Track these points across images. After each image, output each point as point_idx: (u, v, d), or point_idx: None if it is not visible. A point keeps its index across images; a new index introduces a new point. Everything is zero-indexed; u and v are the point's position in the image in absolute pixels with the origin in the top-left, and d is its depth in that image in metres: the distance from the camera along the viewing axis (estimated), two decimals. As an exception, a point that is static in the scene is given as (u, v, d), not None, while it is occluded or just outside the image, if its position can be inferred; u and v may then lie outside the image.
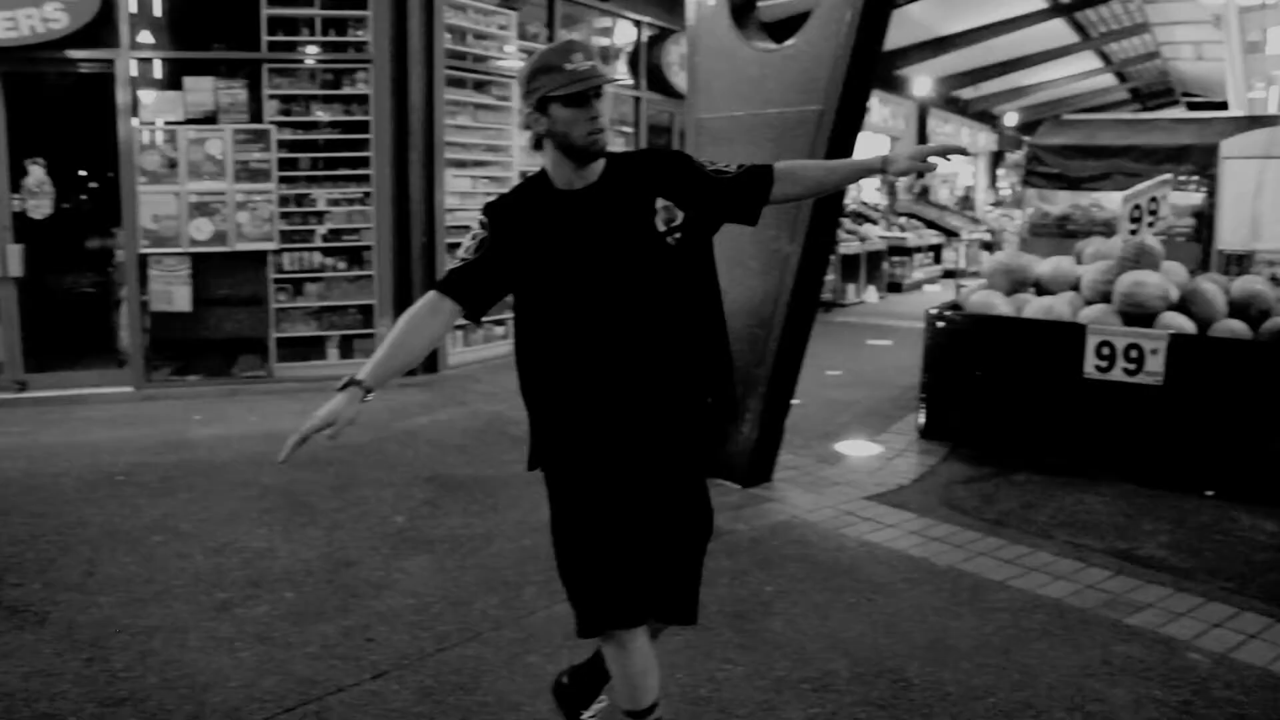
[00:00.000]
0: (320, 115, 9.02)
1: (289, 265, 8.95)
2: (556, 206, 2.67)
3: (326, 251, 9.07)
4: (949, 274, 18.87)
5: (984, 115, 27.07)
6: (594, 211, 2.65)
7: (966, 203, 23.97)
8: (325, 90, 9.02)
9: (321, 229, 9.03)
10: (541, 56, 2.65)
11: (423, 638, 4.08)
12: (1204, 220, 10.84)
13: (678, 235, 2.67)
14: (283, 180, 8.84)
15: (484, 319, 2.80)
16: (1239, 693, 3.75)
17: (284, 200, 8.87)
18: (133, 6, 8.38)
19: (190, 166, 8.54)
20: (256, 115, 8.78)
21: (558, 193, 2.68)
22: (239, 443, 6.99)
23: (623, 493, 2.73)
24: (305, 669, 3.80)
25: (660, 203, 2.66)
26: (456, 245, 9.52)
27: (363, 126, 9.00)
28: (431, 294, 2.68)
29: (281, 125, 8.84)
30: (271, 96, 8.81)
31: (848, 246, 15.33)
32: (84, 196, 10.67)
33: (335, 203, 9.06)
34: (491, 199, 2.81)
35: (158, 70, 8.81)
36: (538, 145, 2.68)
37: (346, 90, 9.02)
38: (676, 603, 2.87)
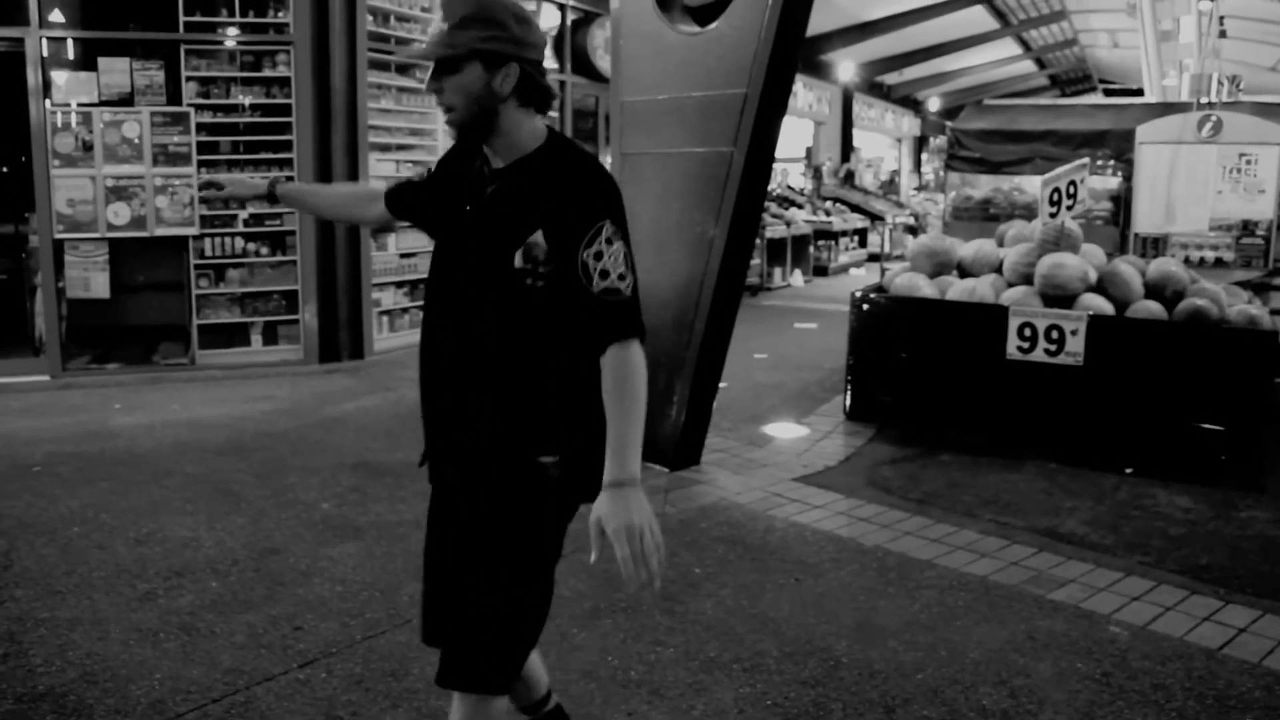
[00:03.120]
0: (241, 97, 8.85)
1: (210, 251, 8.79)
2: (473, 173, 2.40)
3: (248, 237, 8.92)
4: (874, 257, 19.08)
5: (908, 100, 27.42)
6: (484, 199, 2.33)
7: (891, 187, 24.26)
8: (245, 72, 8.86)
9: (243, 214, 8.87)
10: None
11: (351, 625, 4.04)
12: (1121, 204, 11.07)
13: (539, 279, 2.22)
14: (203, 164, 8.67)
15: (395, 225, 2.83)
16: (1156, 663, 3.85)
17: (204, 184, 8.69)
18: (43, -16, 8.15)
19: (106, 150, 8.34)
20: (175, 97, 8.59)
21: (484, 158, 2.37)
22: (161, 431, 6.86)
23: (434, 505, 2.50)
24: (231, 659, 3.75)
25: (537, 236, 2.21)
26: (381, 231, 9.56)
27: (284, 109, 8.86)
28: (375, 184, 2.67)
29: (201, 108, 8.67)
30: (190, 78, 8.63)
31: (774, 230, 15.44)
32: (-6, 181, 10.37)
33: (257, 187, 8.89)
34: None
35: (70, 50, 8.59)
36: None
37: (267, 72, 8.86)
38: (445, 654, 2.38)
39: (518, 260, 2.22)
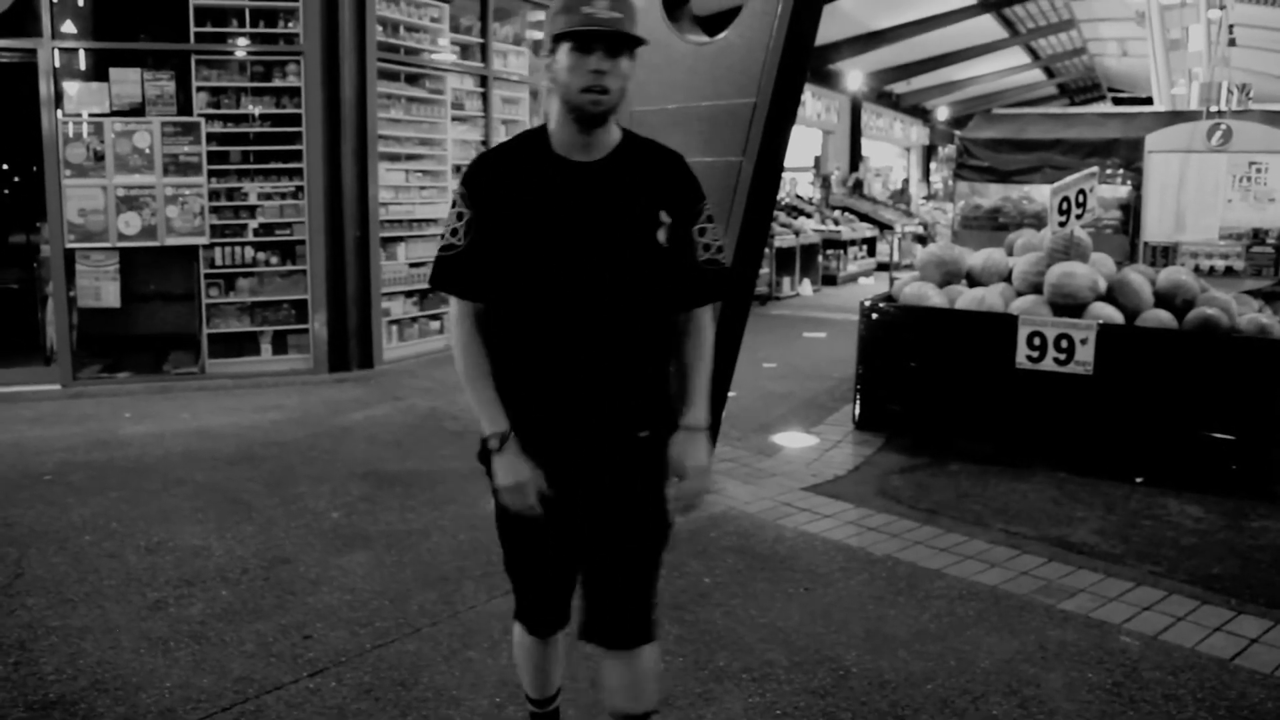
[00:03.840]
0: (251, 108, 8.89)
1: (220, 260, 8.81)
2: (552, 174, 2.39)
3: (258, 246, 8.94)
4: (883, 266, 19.08)
5: (916, 109, 27.44)
6: (594, 194, 2.39)
7: (902, 196, 24.27)
8: (255, 82, 8.89)
9: (253, 223, 8.90)
10: None
11: (361, 634, 4.05)
12: (1131, 213, 11.07)
13: (668, 255, 2.44)
14: (213, 174, 8.70)
15: None
16: (1168, 673, 3.84)
17: (215, 194, 8.73)
18: (55, -5, 8.20)
19: (117, 159, 8.38)
20: (185, 107, 8.63)
21: (555, 158, 2.40)
22: (171, 440, 6.88)
23: (560, 491, 2.51)
24: (241, 668, 3.75)
25: (664, 216, 2.41)
26: (392, 240, 9.59)
27: (294, 119, 8.89)
28: (455, 307, 2.48)
29: (211, 118, 8.70)
30: (200, 89, 8.67)
31: (783, 240, 15.44)
32: (6, 191, 10.42)
33: (267, 196, 8.94)
34: (473, 160, 2.51)
35: (82, 61, 8.63)
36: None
37: (277, 83, 8.90)
38: (608, 622, 2.57)
39: (661, 237, 2.41)
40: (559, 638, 2.85)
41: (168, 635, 4.01)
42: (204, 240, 8.66)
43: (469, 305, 2.47)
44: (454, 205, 2.46)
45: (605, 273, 2.39)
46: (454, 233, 2.43)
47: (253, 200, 8.90)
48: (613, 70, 2.30)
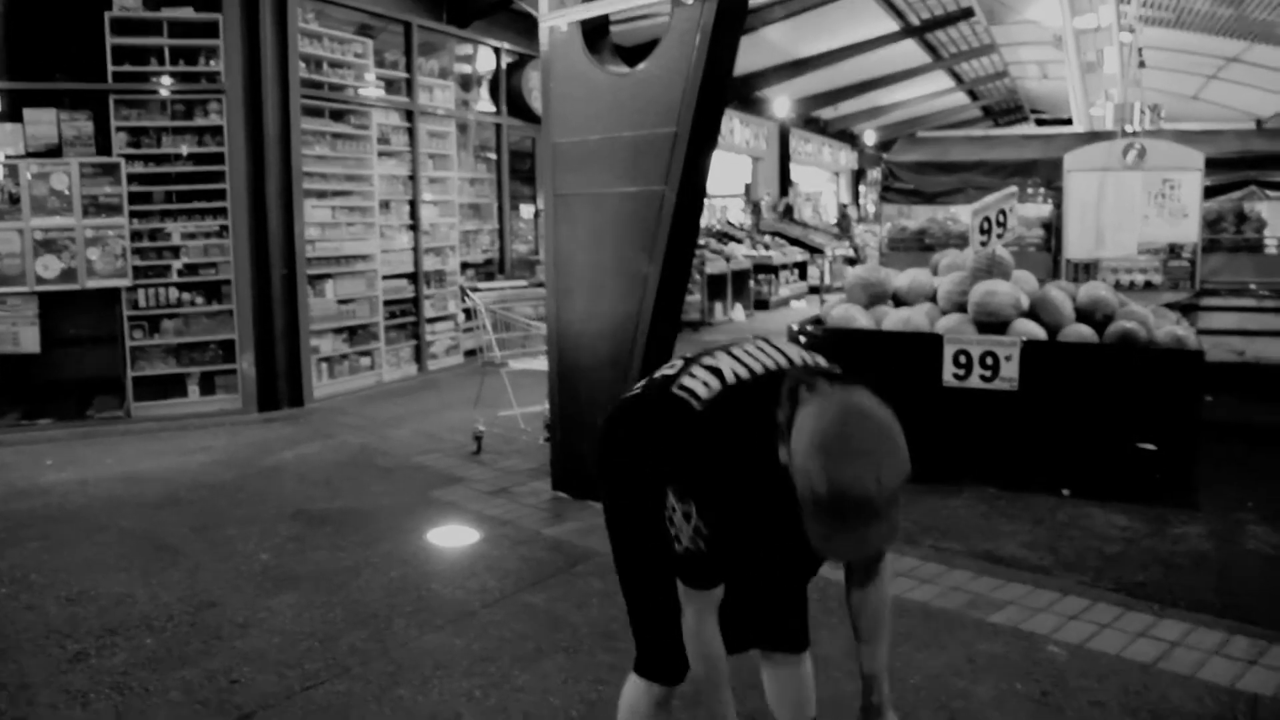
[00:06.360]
0: (172, 148, 8.78)
1: (144, 302, 8.67)
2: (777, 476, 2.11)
3: (183, 287, 8.82)
4: (814, 290, 19.27)
5: (844, 134, 27.79)
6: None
7: (845, 220, 24.52)
8: (176, 121, 8.79)
9: (177, 264, 8.77)
10: (844, 474, 1.96)
11: (289, 676, 3.98)
12: (1052, 231, 11.29)
13: None
14: (135, 214, 8.57)
15: None
16: (1093, 680, 3.90)
17: (137, 235, 8.60)
18: (-34, 37, 8.06)
19: (34, 202, 8.22)
20: (104, 148, 8.50)
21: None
22: (95, 486, 6.73)
23: None
24: (165, 716, 3.67)
25: None
26: (320, 277, 9.51)
27: (217, 158, 8.79)
28: (695, 611, 2.35)
29: (132, 158, 8.58)
30: (120, 128, 8.54)
31: (714, 266, 15.52)
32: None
33: (191, 236, 8.82)
34: (696, 463, 2.27)
35: (-5, 102, 8.48)
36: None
37: (199, 121, 8.81)
38: (789, 632, 3.01)
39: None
40: (671, 702, 2.77)
41: (88, 688, 3.91)
42: (126, 282, 8.52)
43: (712, 602, 2.34)
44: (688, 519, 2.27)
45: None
46: (690, 539, 2.27)
47: (176, 240, 8.77)
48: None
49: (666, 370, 2.53)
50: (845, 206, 26.93)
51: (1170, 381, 6.31)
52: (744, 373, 2.32)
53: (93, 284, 8.41)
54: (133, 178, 8.56)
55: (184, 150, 8.83)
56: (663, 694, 2.73)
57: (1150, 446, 6.26)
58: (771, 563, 2.44)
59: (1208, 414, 7.06)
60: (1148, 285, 9.90)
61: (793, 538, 2.07)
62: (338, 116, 10.01)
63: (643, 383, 2.64)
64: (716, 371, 2.35)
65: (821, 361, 2.40)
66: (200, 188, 8.83)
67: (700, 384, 2.33)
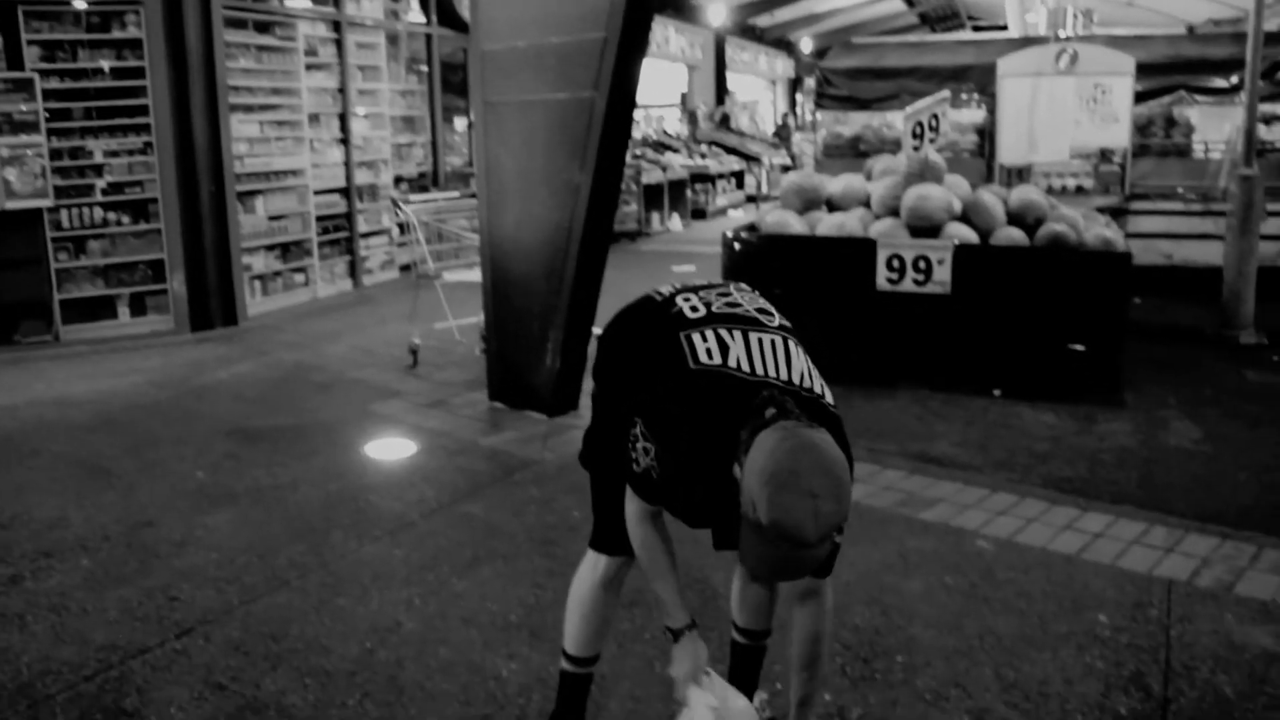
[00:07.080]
0: (90, 62, 8.50)
1: (68, 223, 8.46)
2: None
3: (108, 206, 8.61)
4: (752, 199, 19.25)
5: (781, 42, 27.53)
6: None
7: (785, 129, 24.39)
8: (93, 34, 8.49)
9: (101, 183, 8.55)
10: (785, 509, 1.95)
11: (228, 591, 3.99)
12: (986, 136, 11.36)
13: None
14: (53, 132, 8.31)
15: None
16: (1020, 572, 4.03)
17: (57, 154, 8.34)
18: None
19: (-54, 121, 7.95)
20: (16, 62, 8.20)
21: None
22: (25, 411, 6.61)
23: None
24: (104, 635, 3.67)
25: None
26: (250, 194, 9.33)
27: (138, 72, 8.53)
28: (634, 507, 2.48)
29: (47, 73, 8.29)
30: (31, 42, 8.24)
31: (650, 176, 15.41)
32: None
33: (114, 154, 8.59)
34: None
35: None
36: None
37: (117, 34, 8.51)
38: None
39: None
40: (621, 584, 2.83)
41: (24, 609, 3.88)
42: (48, 202, 8.28)
43: (649, 507, 2.47)
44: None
45: None
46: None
47: (99, 159, 8.54)
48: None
49: (685, 307, 2.52)
50: (786, 115, 26.79)
51: (1099, 284, 6.43)
52: (745, 366, 2.32)
53: (12, 205, 8.16)
54: (49, 94, 8.27)
55: (104, 65, 8.55)
56: (608, 570, 2.78)
57: (1079, 347, 6.40)
58: (712, 519, 2.46)
59: (1136, 315, 7.23)
60: (1079, 189, 10.03)
61: (730, 520, 2.13)
62: (263, 28, 9.72)
63: (665, 294, 2.63)
64: (724, 348, 2.35)
65: (817, 389, 2.39)
66: (122, 103, 8.57)
67: (704, 349, 2.35)
